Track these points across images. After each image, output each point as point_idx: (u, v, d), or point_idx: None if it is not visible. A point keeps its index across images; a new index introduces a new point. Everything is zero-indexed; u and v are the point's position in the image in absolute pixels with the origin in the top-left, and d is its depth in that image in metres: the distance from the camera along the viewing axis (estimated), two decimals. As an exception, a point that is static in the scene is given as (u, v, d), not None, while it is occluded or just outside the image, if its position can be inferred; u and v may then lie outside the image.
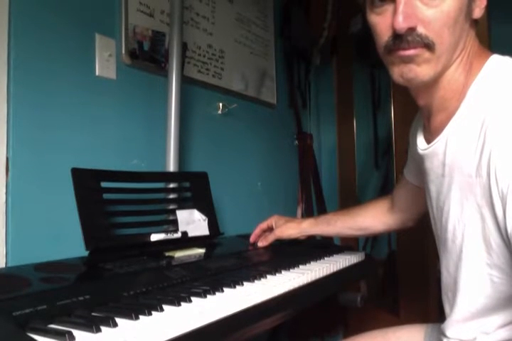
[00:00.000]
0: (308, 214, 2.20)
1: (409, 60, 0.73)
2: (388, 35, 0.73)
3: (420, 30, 0.71)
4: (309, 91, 2.40)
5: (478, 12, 0.76)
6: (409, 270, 1.90)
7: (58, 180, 1.10)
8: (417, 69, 0.73)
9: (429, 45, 0.72)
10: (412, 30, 0.71)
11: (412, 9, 0.70)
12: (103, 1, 1.29)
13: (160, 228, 1.19)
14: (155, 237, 1.10)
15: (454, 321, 0.85)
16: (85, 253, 0.98)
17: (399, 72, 0.75)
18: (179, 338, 0.61)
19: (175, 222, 1.21)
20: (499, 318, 0.80)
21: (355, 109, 2.41)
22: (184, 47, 1.49)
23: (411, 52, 0.72)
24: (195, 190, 1.32)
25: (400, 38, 0.71)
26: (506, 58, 0.76)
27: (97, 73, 1.25)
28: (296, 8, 2.14)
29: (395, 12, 0.71)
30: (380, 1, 0.73)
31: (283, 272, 0.96)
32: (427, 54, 0.72)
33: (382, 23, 0.74)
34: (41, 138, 1.11)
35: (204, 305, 0.71)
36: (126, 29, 1.33)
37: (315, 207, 2.27)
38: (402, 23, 0.70)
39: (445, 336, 0.87)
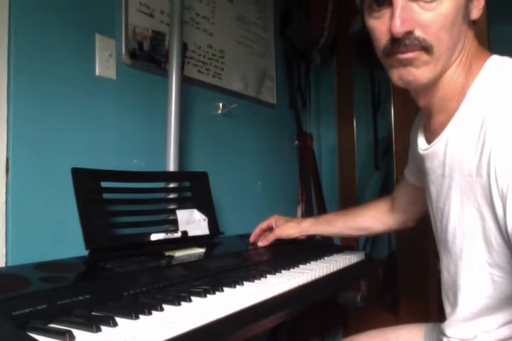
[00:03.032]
0: (308, 214, 2.20)
1: (407, 62, 0.73)
2: (386, 39, 0.74)
3: (418, 33, 0.71)
4: (309, 92, 2.40)
5: (476, 13, 0.76)
6: (409, 270, 1.90)
7: (58, 180, 1.10)
8: (416, 72, 0.74)
9: (427, 48, 0.72)
10: (409, 33, 0.71)
11: (409, 13, 0.70)
12: (103, 1, 1.29)
13: (160, 228, 1.19)
14: (155, 237, 1.10)
15: (455, 321, 0.85)
16: (85, 252, 0.98)
17: (398, 75, 0.76)
18: (179, 337, 0.61)
19: (175, 222, 1.21)
20: (500, 317, 0.80)
21: (355, 109, 2.41)
22: (184, 48, 1.49)
23: (409, 55, 0.72)
24: (195, 190, 1.32)
25: (397, 42, 0.72)
26: (505, 58, 0.76)
27: (97, 73, 1.25)
28: (296, 8, 2.14)
29: (392, 16, 0.71)
30: (378, 6, 0.74)
31: (283, 272, 0.96)
32: (425, 57, 0.73)
33: (380, 27, 0.74)
34: (41, 138, 1.11)
35: (204, 305, 0.71)
36: (126, 29, 1.33)
37: (315, 207, 2.27)
38: (399, 28, 0.70)
39: (445, 335, 0.87)
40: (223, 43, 1.74)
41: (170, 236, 1.13)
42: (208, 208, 1.30)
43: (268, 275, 0.91)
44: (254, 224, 1.34)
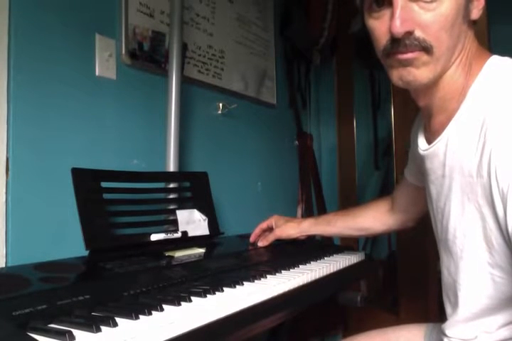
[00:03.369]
0: (308, 214, 2.20)
1: (407, 63, 0.73)
2: (386, 39, 0.74)
3: (418, 33, 0.71)
4: (309, 92, 2.40)
5: (476, 13, 0.76)
6: (409, 270, 1.90)
7: (58, 180, 1.10)
8: (416, 72, 0.74)
9: (427, 48, 0.72)
10: (409, 34, 0.71)
11: (409, 13, 0.70)
12: (103, 1, 1.29)
13: (160, 228, 1.19)
14: (155, 237, 1.10)
15: (455, 321, 0.85)
16: (85, 253, 0.98)
17: (398, 75, 0.75)
18: (179, 338, 0.61)
19: (175, 222, 1.21)
20: (501, 318, 0.80)
21: (355, 109, 2.41)
22: (184, 48, 1.49)
23: (409, 55, 0.72)
24: (195, 190, 1.32)
25: (397, 42, 0.72)
26: (506, 59, 0.76)
27: (97, 73, 1.25)
28: (296, 8, 2.14)
29: (392, 16, 0.71)
30: (378, 6, 0.74)
31: (283, 272, 0.96)
32: (425, 57, 0.73)
33: (380, 27, 0.74)
34: (41, 138, 1.11)
35: (204, 305, 0.71)
36: (126, 29, 1.33)
37: (315, 207, 2.27)
38: (399, 28, 0.70)
39: (446, 335, 0.87)
40: (223, 43, 1.74)
41: (170, 236, 1.13)
42: (207, 208, 1.30)
43: (268, 276, 0.91)
44: (254, 224, 1.34)
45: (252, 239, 1.32)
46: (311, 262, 1.08)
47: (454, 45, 0.74)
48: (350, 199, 2.32)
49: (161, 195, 1.29)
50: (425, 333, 1.01)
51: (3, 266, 1.00)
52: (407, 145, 1.06)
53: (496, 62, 0.76)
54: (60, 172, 1.06)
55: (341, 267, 1.11)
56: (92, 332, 0.58)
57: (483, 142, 0.70)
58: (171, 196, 1.29)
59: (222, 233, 1.33)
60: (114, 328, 0.59)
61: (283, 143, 2.18)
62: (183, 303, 0.70)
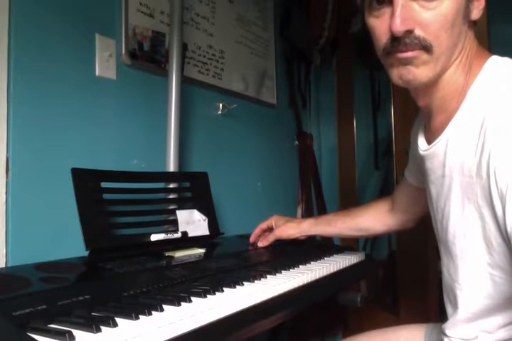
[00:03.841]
0: (308, 214, 2.20)
1: (407, 62, 0.73)
2: (386, 38, 0.74)
3: (418, 32, 0.71)
4: (309, 92, 2.40)
5: (476, 13, 0.76)
6: (409, 270, 1.90)
7: (58, 180, 1.10)
8: (416, 71, 0.74)
9: (426, 47, 0.72)
10: (409, 32, 0.71)
11: (409, 12, 0.70)
12: (103, 1, 1.29)
13: (160, 228, 1.19)
14: (155, 237, 1.10)
15: (456, 321, 0.85)
16: (85, 253, 0.98)
17: (397, 74, 0.76)
18: (179, 338, 0.61)
19: (175, 222, 1.21)
20: (501, 318, 0.80)
21: (355, 109, 2.41)
22: (184, 48, 1.49)
23: (409, 54, 0.72)
24: (195, 190, 1.32)
25: (397, 41, 0.72)
26: (505, 59, 0.76)
27: (97, 73, 1.25)
28: (296, 8, 2.14)
29: (392, 15, 0.71)
30: (378, 4, 0.74)
31: (283, 272, 0.96)
32: (424, 56, 0.73)
33: (380, 25, 0.75)
34: (41, 138, 1.11)
35: (204, 305, 0.71)
36: (126, 29, 1.33)
37: (315, 207, 2.27)
38: (399, 26, 0.70)
39: (446, 335, 0.87)
40: (223, 43, 1.74)
41: (170, 236, 1.13)
42: (207, 208, 1.30)
43: (268, 276, 0.91)
44: (254, 225, 1.34)
45: (252, 239, 1.32)
46: (311, 262, 1.08)
47: (453, 45, 0.74)
48: (350, 200, 2.32)
49: (161, 195, 1.29)
50: (425, 333, 1.01)
51: (3, 266, 1.00)
52: (407, 145, 1.06)
53: (496, 62, 0.76)
54: (60, 173, 1.06)
55: (341, 267, 1.11)
56: (92, 332, 0.58)
57: (482, 142, 0.70)
58: (171, 196, 1.29)
59: (222, 233, 1.33)
60: (114, 328, 0.59)
61: (283, 143, 2.18)
62: (183, 303, 0.70)
